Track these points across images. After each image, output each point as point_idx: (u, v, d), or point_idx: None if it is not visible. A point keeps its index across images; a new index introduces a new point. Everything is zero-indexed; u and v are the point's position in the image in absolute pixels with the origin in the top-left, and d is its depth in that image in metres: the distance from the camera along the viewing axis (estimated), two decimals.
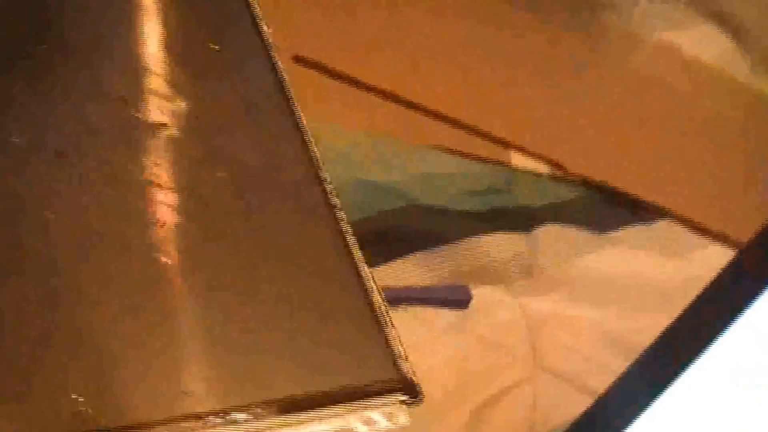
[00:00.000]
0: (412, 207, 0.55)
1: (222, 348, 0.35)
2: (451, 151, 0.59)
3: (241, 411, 0.34)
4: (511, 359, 0.50)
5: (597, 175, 0.62)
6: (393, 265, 0.52)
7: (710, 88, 0.80)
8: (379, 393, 0.35)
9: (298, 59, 0.61)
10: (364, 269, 0.38)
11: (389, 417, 0.35)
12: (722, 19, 0.87)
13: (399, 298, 0.51)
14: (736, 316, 0.37)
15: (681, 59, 0.82)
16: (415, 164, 0.57)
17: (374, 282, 0.38)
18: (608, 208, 0.61)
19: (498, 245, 0.55)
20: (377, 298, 0.38)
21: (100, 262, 0.35)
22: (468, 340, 0.51)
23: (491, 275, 0.54)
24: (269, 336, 0.36)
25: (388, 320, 0.38)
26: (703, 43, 0.85)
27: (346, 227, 0.39)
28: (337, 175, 0.51)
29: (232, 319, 0.36)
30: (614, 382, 0.41)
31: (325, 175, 0.41)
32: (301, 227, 0.39)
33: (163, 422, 0.32)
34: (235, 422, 0.34)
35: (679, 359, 0.39)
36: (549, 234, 0.57)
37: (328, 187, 0.40)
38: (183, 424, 0.32)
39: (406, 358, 0.37)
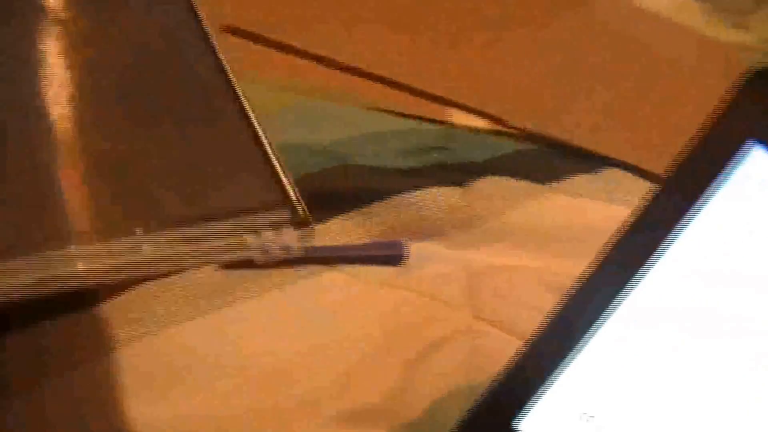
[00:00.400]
0: (347, 167, 0.55)
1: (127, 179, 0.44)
2: (388, 112, 0.59)
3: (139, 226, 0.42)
4: (448, 311, 0.50)
5: (540, 128, 0.62)
6: (327, 225, 0.52)
7: (663, 36, 0.80)
8: (267, 209, 0.44)
9: (229, 29, 0.61)
10: (252, 117, 0.48)
11: (276, 232, 0.44)
12: None
13: (333, 257, 0.51)
14: (660, 247, 0.37)
15: (633, 10, 0.82)
16: (349, 126, 0.57)
17: (262, 128, 0.48)
18: (552, 159, 0.61)
19: (435, 199, 0.55)
20: (265, 140, 0.47)
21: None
22: (403, 294, 0.51)
23: (428, 229, 0.54)
24: (168, 168, 0.45)
25: (275, 156, 0.47)
26: None
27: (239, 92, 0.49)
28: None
29: (135, 157, 0.45)
30: (541, 326, 0.41)
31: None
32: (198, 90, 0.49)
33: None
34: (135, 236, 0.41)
35: (602, 301, 0.39)
36: (487, 186, 0.57)
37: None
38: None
39: (292, 186, 0.46)
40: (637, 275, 0.38)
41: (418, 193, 0.55)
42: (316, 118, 0.56)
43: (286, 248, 0.44)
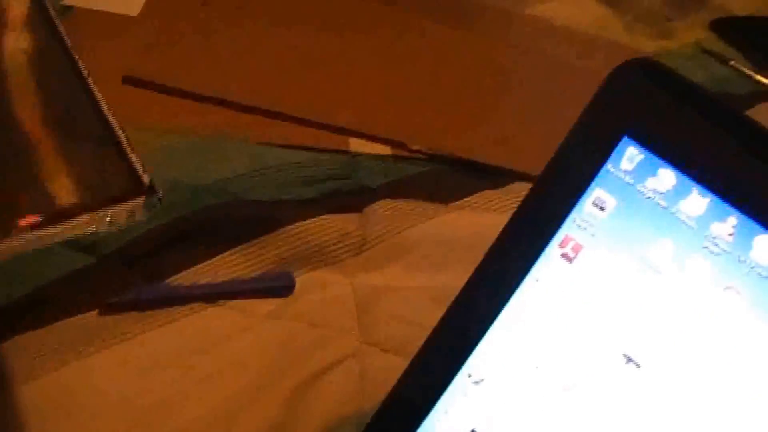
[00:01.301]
0: (237, 201, 0.55)
1: None
2: (285, 146, 0.60)
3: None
4: (336, 337, 0.51)
5: (441, 148, 0.63)
6: (216, 261, 0.53)
7: (584, 51, 0.80)
8: (121, 199, 0.52)
9: (127, 79, 0.62)
10: (105, 107, 0.56)
11: (129, 215, 0.52)
12: None
13: (218, 292, 0.51)
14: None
15: (551, 28, 0.82)
16: (242, 162, 0.58)
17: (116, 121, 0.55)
18: (457, 179, 0.61)
19: (326, 227, 0.55)
20: (118, 131, 0.55)
21: None
22: (291, 324, 0.51)
23: (319, 258, 0.54)
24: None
25: (127, 146, 0.54)
26: (576, 13, 0.86)
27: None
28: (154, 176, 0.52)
29: None
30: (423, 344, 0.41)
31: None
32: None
33: None
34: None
35: (483, 309, 0.39)
36: (383, 209, 0.58)
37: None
38: None
39: (143, 172, 0.54)
40: (516, 279, 0.38)
41: (310, 221, 0.55)
42: (203, 156, 0.57)
43: (132, 215, 0.52)
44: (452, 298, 0.51)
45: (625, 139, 0.36)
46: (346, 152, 0.61)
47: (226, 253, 0.53)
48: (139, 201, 0.52)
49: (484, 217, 0.58)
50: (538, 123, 0.68)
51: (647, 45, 0.85)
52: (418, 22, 0.75)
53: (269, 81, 0.64)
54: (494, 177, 0.62)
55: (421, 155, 0.63)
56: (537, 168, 0.61)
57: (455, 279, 0.54)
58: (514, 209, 0.60)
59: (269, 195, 0.56)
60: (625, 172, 0.36)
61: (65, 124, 0.56)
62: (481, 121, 0.66)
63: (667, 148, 0.35)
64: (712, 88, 0.81)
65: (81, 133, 0.56)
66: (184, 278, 0.52)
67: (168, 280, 0.51)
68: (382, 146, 0.62)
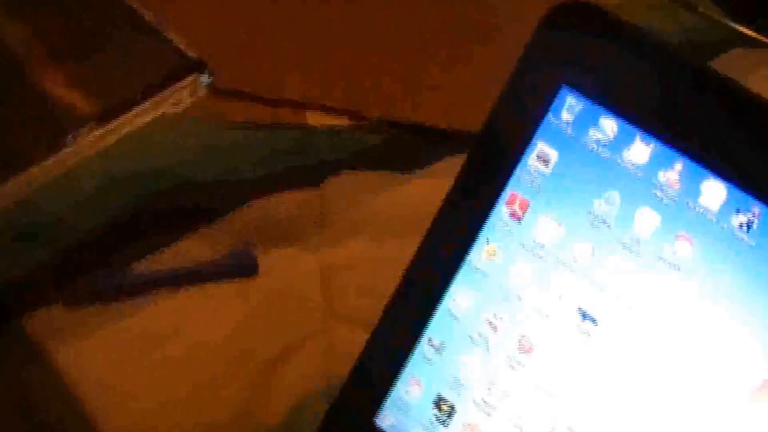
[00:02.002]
0: (187, 184, 0.55)
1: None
2: (236, 125, 0.59)
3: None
4: (303, 313, 0.51)
5: (401, 115, 0.62)
6: (175, 247, 0.53)
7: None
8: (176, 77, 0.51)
9: None
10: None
11: (191, 93, 0.52)
12: None
13: (180, 277, 0.51)
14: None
15: None
16: (194, 144, 0.57)
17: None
18: (417, 146, 0.61)
19: (286, 203, 0.55)
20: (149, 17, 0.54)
21: None
22: (256, 304, 0.51)
23: (283, 234, 0.55)
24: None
25: (163, 29, 0.53)
26: None
27: None
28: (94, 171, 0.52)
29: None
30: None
31: None
32: None
33: None
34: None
35: (436, 275, 0.39)
36: (343, 182, 0.58)
37: None
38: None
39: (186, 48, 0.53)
40: (467, 241, 0.38)
41: (268, 197, 0.55)
42: (152, 141, 0.56)
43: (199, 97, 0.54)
44: None
45: (564, 88, 0.36)
46: (302, 126, 0.61)
47: (184, 239, 0.53)
48: (193, 77, 0.53)
49: (445, 185, 0.58)
50: (498, 82, 0.68)
51: None
52: None
53: (216, 57, 0.64)
54: (456, 141, 0.62)
55: (378, 124, 0.62)
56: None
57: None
58: None
59: (223, 176, 0.56)
60: (566, 123, 0.36)
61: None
62: (438, 85, 0.65)
63: (606, 96, 0.35)
64: (680, 37, 0.81)
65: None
66: (145, 267, 0.52)
67: (129, 269, 0.51)
68: (339, 118, 0.62)
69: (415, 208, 0.57)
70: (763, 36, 0.84)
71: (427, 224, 0.56)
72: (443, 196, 0.57)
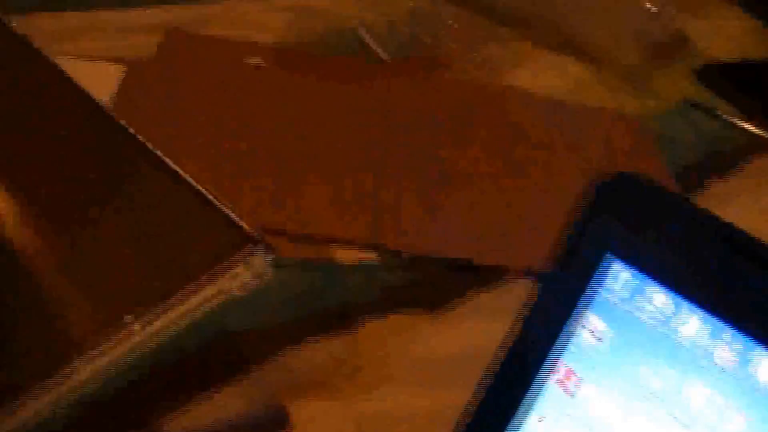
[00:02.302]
0: (222, 335, 0.54)
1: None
2: None
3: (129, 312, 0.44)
4: None
5: (426, 249, 0.62)
6: (208, 403, 0.51)
7: (567, 121, 0.80)
8: (233, 254, 0.47)
9: None
10: (183, 175, 0.52)
11: (252, 269, 0.48)
12: (573, 48, 0.88)
13: None
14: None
15: (531, 99, 0.82)
16: None
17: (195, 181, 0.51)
18: (444, 282, 0.60)
19: (316, 351, 0.54)
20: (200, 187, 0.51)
21: None
22: None
23: (313, 385, 0.53)
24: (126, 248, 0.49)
25: (219, 202, 0.50)
26: (555, 77, 0.85)
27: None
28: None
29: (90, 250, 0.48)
30: None
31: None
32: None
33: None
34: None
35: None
36: (373, 326, 0.56)
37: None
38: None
39: (244, 221, 0.49)
40: (519, 420, 0.37)
41: (298, 347, 0.54)
42: None
43: (260, 276, 0.48)
44: (453, 419, 0.50)
45: (611, 258, 0.35)
46: (328, 262, 0.60)
47: (215, 395, 0.52)
48: (251, 253, 0.48)
49: (478, 325, 0.57)
50: (528, 213, 0.67)
51: (632, 104, 0.84)
52: (394, 113, 0.75)
53: (240, 193, 0.64)
54: (483, 275, 0.61)
55: (405, 259, 0.61)
56: (529, 262, 0.60)
57: (454, 398, 0.52)
58: (508, 313, 0.59)
59: (253, 322, 0.55)
60: (614, 293, 0.35)
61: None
62: (464, 217, 0.65)
63: (654, 265, 0.34)
64: (701, 146, 0.80)
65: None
66: (177, 424, 0.50)
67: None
68: (366, 252, 0.61)
69: (446, 353, 0.56)
70: None
71: (458, 372, 0.55)
72: (474, 341, 0.57)
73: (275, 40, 0.83)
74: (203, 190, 0.51)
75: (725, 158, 0.80)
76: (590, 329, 0.35)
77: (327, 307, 0.58)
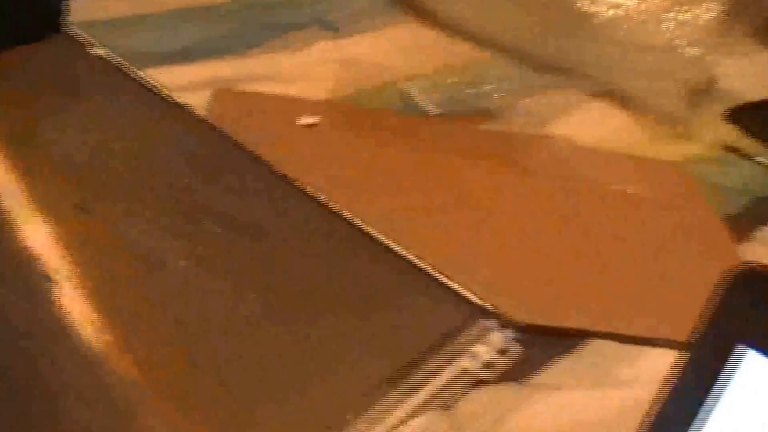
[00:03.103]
0: None
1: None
2: None
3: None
4: None
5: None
6: None
7: (616, 172, 0.82)
8: (465, 329, 0.46)
9: None
10: (397, 248, 0.52)
11: (487, 343, 0.46)
12: (612, 96, 0.90)
13: None
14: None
15: (577, 148, 0.83)
16: None
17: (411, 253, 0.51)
18: (528, 349, 0.61)
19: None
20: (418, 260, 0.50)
21: None
22: None
23: None
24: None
25: (442, 276, 0.49)
26: (597, 124, 0.87)
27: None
28: None
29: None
30: None
31: None
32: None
33: None
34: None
35: None
36: (470, 403, 0.57)
37: None
38: None
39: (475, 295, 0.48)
40: None
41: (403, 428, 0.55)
42: None
43: (504, 351, 0.48)
44: None
45: (744, 347, 0.36)
46: None
47: None
48: (481, 326, 0.47)
49: (562, 398, 0.58)
50: (600, 269, 0.69)
51: (672, 152, 0.86)
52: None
53: None
54: (563, 339, 0.62)
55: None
56: (613, 323, 0.62)
57: None
58: (590, 380, 0.60)
59: None
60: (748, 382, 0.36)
61: None
62: (544, 279, 0.66)
63: None
64: (743, 192, 0.82)
65: None
66: None
67: None
68: None
69: (541, 427, 0.57)
70: None
71: None
72: (565, 412, 0.58)
73: (326, 96, 0.84)
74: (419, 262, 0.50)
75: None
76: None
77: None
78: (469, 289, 0.49)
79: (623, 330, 0.63)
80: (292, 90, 0.85)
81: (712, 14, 0.93)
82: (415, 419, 0.56)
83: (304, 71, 0.87)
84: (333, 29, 0.94)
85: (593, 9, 0.92)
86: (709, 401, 0.37)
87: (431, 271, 0.50)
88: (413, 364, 0.46)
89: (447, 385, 0.46)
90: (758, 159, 0.87)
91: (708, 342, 0.38)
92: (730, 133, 0.90)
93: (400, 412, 0.46)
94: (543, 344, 0.62)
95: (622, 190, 0.78)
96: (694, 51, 0.89)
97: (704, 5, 0.93)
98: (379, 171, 0.73)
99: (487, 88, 0.86)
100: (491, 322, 0.47)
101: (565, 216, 0.73)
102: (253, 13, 0.95)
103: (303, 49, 0.90)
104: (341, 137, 0.79)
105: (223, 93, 0.82)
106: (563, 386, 0.60)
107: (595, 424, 0.57)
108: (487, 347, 0.45)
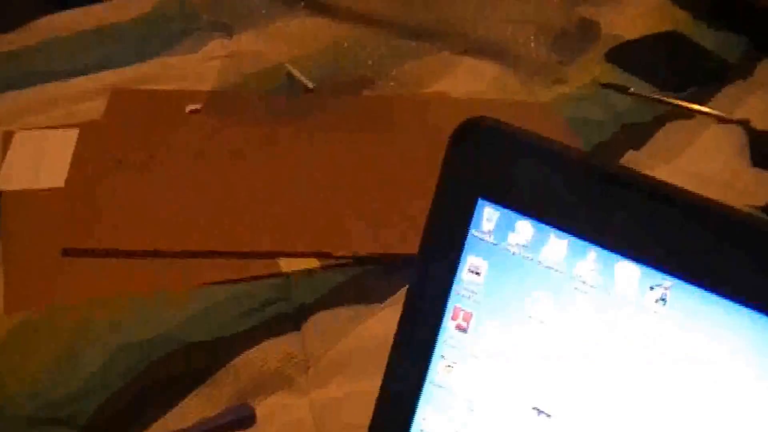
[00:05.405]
0: (185, 347, 0.57)
1: None
2: (221, 283, 0.63)
3: None
4: None
5: (366, 249, 0.66)
6: (175, 410, 0.55)
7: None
8: None
9: (67, 251, 0.65)
10: None
11: None
12: (484, 52, 0.92)
13: None
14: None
15: (449, 101, 0.86)
16: (182, 308, 0.60)
17: None
18: (384, 278, 0.64)
19: (270, 353, 0.58)
20: None
21: None
22: None
23: (272, 383, 0.57)
24: None
25: None
26: (473, 80, 0.90)
27: None
28: (102, 345, 0.54)
29: None
30: None
31: None
32: None
33: None
34: None
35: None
36: (318, 323, 0.60)
37: None
38: None
39: None
40: (425, 362, 0.40)
41: (255, 349, 0.58)
42: (145, 314, 0.59)
43: None
44: None
45: (480, 200, 0.38)
46: (277, 274, 0.64)
47: (185, 399, 0.56)
48: None
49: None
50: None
51: (545, 95, 0.88)
52: (319, 133, 0.79)
53: (192, 223, 0.68)
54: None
55: (347, 261, 0.65)
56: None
57: None
58: None
59: (212, 334, 0.59)
60: (488, 232, 0.38)
61: None
62: (400, 217, 0.69)
63: (519, 201, 0.37)
64: (616, 121, 0.84)
65: None
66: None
67: None
68: (310, 260, 0.65)
69: (388, 338, 0.60)
70: (695, 104, 0.88)
71: None
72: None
73: (213, 86, 0.88)
74: None
75: (640, 131, 0.84)
76: (470, 269, 0.38)
77: (279, 313, 0.61)
78: None
79: None
80: (184, 86, 0.88)
81: None
82: None
83: (194, 69, 0.91)
84: (226, 30, 0.98)
85: None
86: (461, 259, 0.39)
87: None
88: None
89: None
90: (631, 90, 0.89)
91: (448, 202, 0.39)
92: (610, 73, 0.92)
93: None
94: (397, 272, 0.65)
95: None
96: None
97: None
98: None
99: (362, 58, 0.89)
100: None
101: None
102: (151, 28, 0.99)
103: (196, 51, 0.94)
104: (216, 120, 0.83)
105: (120, 92, 0.87)
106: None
107: None
108: None
